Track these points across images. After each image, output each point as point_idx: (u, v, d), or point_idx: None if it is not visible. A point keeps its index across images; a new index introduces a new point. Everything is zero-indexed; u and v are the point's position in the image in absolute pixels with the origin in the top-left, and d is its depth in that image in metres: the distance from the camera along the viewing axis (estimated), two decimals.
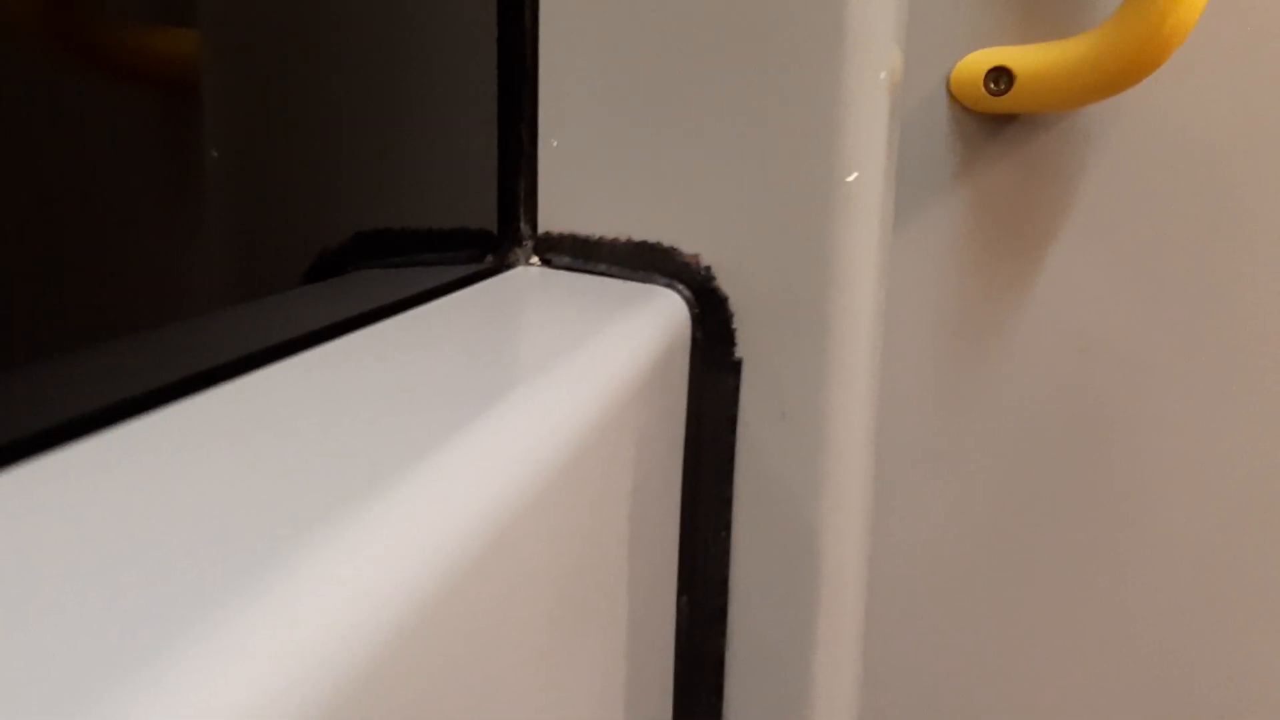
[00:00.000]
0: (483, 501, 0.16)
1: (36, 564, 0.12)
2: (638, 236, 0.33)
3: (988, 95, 0.45)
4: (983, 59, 0.45)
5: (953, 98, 0.47)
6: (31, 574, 0.11)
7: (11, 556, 0.12)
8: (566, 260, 0.34)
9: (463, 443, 0.17)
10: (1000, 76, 0.44)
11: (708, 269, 0.33)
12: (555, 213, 0.34)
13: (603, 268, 0.34)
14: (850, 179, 0.32)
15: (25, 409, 0.16)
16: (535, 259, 0.35)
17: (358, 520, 0.13)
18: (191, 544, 0.12)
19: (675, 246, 0.33)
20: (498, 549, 0.16)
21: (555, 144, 0.34)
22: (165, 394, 0.18)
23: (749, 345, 0.33)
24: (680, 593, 0.35)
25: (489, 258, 0.34)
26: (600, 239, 0.34)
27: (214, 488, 0.14)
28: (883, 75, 0.32)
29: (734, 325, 0.33)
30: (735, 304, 0.33)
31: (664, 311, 0.32)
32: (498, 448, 0.18)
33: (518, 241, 0.34)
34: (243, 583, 0.11)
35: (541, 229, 0.34)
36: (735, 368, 0.34)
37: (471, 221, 0.34)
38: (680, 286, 0.33)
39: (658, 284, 0.33)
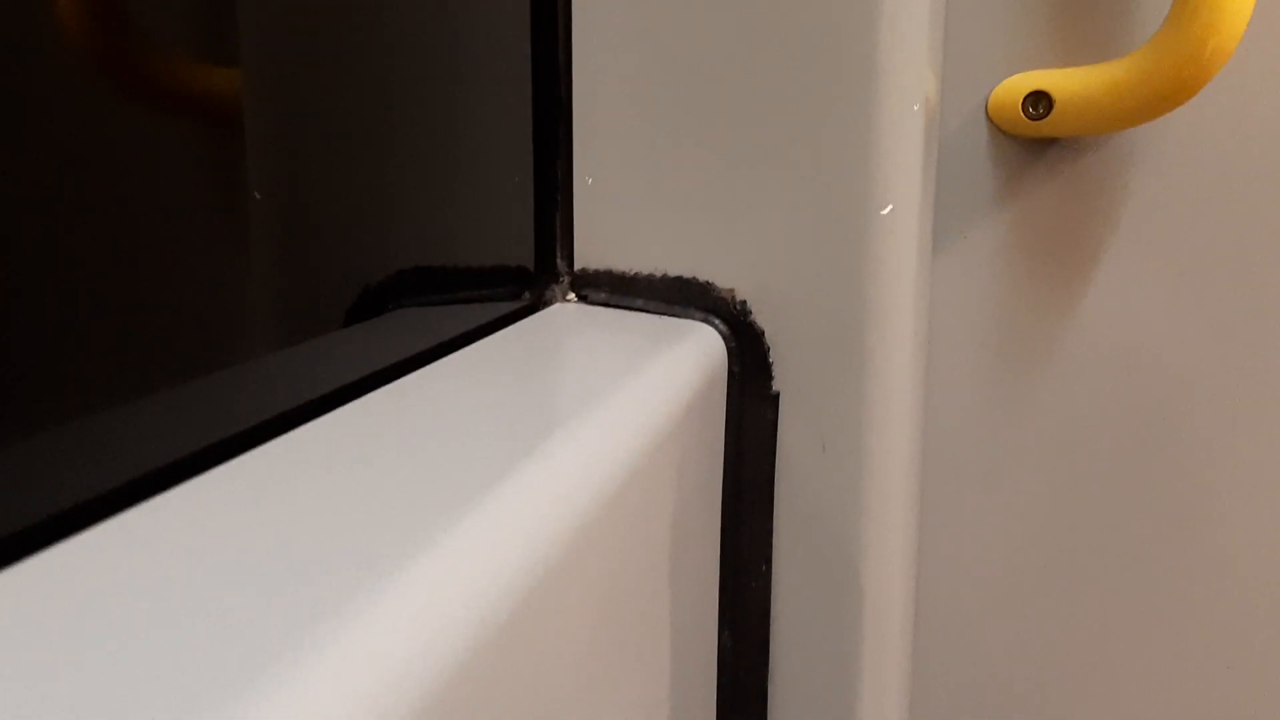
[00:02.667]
0: (530, 546, 0.16)
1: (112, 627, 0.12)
2: (673, 272, 0.34)
3: (1026, 119, 0.45)
4: (1021, 83, 0.45)
5: (991, 122, 0.47)
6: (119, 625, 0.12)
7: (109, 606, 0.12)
8: (603, 296, 0.35)
9: (511, 488, 0.17)
10: (1039, 101, 0.44)
11: (744, 303, 0.33)
12: (591, 249, 0.34)
13: (639, 303, 0.34)
14: (885, 211, 0.32)
15: (54, 479, 0.17)
16: (572, 295, 0.35)
17: (418, 564, 0.14)
18: (266, 589, 0.13)
19: (711, 281, 0.33)
20: (544, 591, 0.16)
21: (590, 181, 0.34)
22: (216, 452, 0.18)
23: (787, 378, 0.33)
24: (722, 626, 0.35)
25: (526, 294, 0.34)
26: (636, 275, 0.34)
27: (277, 535, 0.14)
28: (916, 107, 0.32)
29: (771, 359, 0.33)
30: (772, 337, 0.33)
31: (701, 346, 0.32)
32: (543, 493, 0.18)
33: (554, 278, 0.35)
34: (314, 625, 0.12)
35: (578, 265, 0.35)
36: (773, 401, 0.34)
37: (509, 259, 0.34)
38: (717, 321, 0.33)
39: (694, 319, 0.33)
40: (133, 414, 0.19)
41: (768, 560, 0.35)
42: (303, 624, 0.12)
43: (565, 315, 0.33)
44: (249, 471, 0.18)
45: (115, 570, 0.13)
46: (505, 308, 0.33)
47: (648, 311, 0.34)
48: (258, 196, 0.27)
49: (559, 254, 0.35)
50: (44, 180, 0.18)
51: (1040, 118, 0.44)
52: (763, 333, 0.33)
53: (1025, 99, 0.44)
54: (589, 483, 0.20)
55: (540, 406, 0.25)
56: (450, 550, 0.15)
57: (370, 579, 0.13)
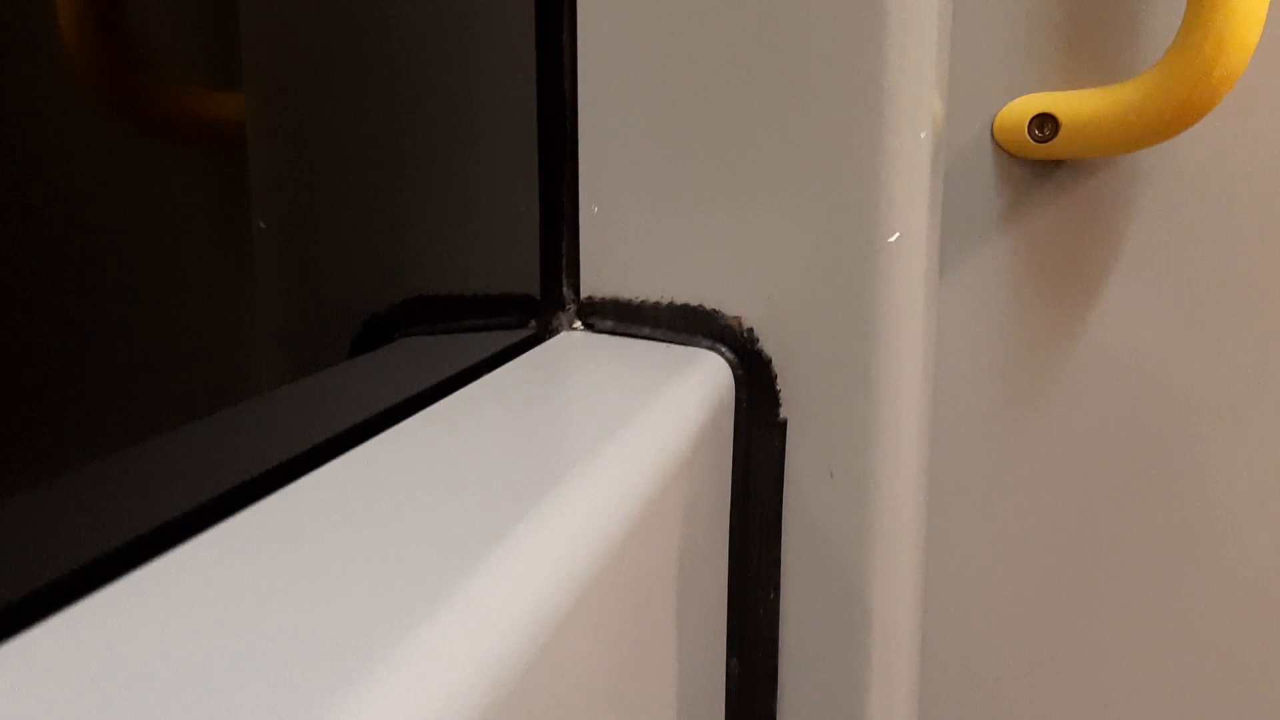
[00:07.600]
0: (542, 598, 0.16)
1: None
2: (680, 299, 0.34)
3: (1032, 142, 0.44)
4: (1027, 105, 0.45)
5: (997, 144, 0.46)
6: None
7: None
8: (609, 324, 0.34)
9: (521, 538, 0.17)
10: (1045, 123, 0.44)
11: (750, 331, 0.33)
12: (597, 277, 0.34)
13: (645, 331, 0.34)
14: (892, 239, 0.31)
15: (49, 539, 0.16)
16: (578, 323, 0.35)
17: (431, 618, 0.14)
18: (267, 657, 0.12)
19: (718, 309, 0.33)
20: (557, 640, 0.16)
21: (596, 209, 0.34)
22: (219, 505, 0.18)
23: (794, 405, 0.33)
24: (730, 655, 0.35)
25: (532, 323, 0.34)
26: (643, 302, 0.34)
27: (280, 598, 0.14)
28: (923, 134, 0.32)
29: (778, 386, 0.33)
30: (779, 365, 0.33)
31: (708, 375, 0.32)
32: (554, 543, 0.18)
33: (561, 306, 0.35)
34: (321, 692, 0.12)
35: (584, 293, 0.35)
36: (781, 428, 0.33)
37: (515, 287, 0.34)
38: (723, 349, 0.33)
39: (701, 347, 0.33)
40: (127, 464, 0.19)
41: (776, 588, 0.35)
42: (307, 692, 0.12)
43: (572, 345, 0.33)
44: (253, 527, 0.17)
45: (107, 651, 0.13)
46: (511, 336, 0.33)
47: (654, 339, 0.34)
48: (262, 226, 0.27)
49: (565, 282, 0.35)
50: (40, 211, 0.18)
51: (1046, 140, 0.44)
52: (770, 360, 0.33)
53: (1031, 121, 0.44)
54: (601, 526, 0.20)
55: (549, 449, 0.25)
56: (463, 605, 0.15)
57: (381, 638, 0.13)
